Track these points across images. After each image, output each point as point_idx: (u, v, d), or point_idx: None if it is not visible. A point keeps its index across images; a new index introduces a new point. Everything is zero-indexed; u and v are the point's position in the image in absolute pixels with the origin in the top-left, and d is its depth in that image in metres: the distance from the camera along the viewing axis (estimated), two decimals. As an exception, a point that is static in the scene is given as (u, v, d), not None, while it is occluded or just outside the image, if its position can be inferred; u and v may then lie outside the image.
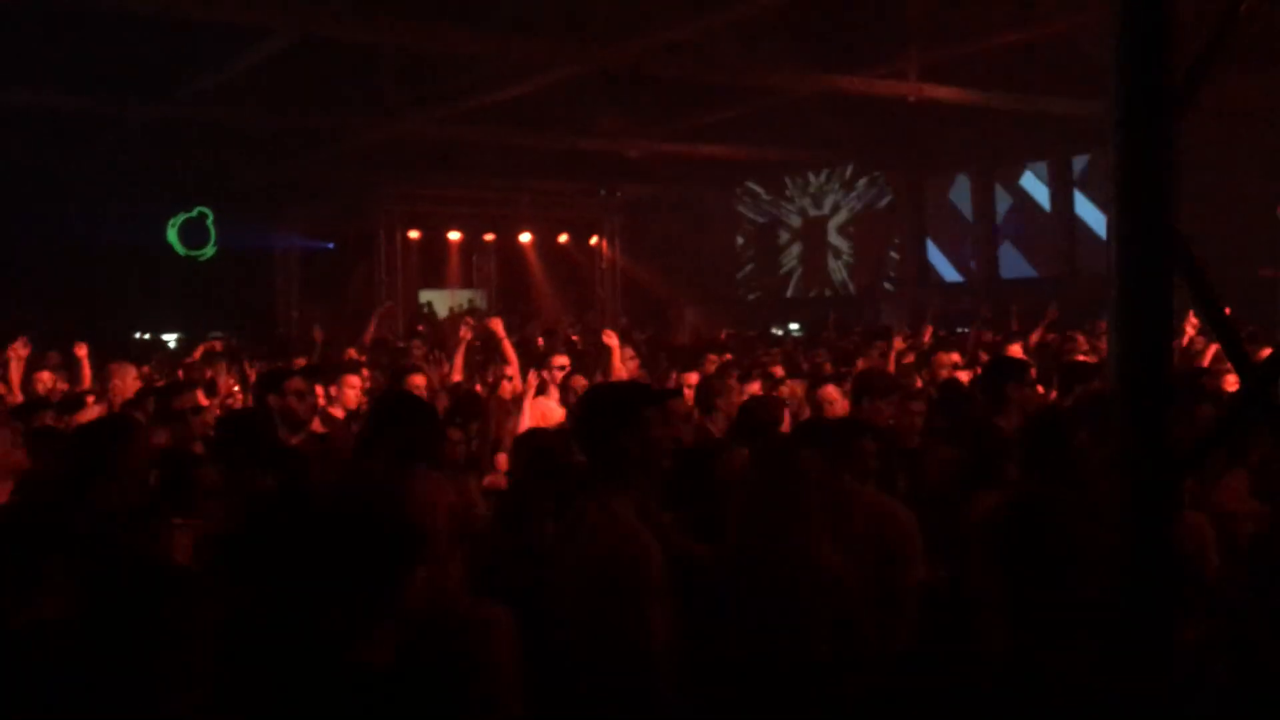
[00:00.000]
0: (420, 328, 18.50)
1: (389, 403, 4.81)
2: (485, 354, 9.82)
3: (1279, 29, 1.89)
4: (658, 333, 17.78)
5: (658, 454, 3.13)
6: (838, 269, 22.87)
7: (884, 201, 21.69)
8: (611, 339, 7.71)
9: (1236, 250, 10.54)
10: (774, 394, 6.81)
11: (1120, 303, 1.70)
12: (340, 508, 2.64)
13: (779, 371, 7.36)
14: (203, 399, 6.80)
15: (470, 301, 22.97)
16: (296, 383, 5.77)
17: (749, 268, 24.74)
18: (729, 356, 9.36)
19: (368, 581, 2.29)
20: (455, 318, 17.92)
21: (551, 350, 8.60)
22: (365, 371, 7.79)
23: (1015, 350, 8.59)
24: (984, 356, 8.53)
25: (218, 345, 12.23)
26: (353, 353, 10.93)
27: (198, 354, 9.21)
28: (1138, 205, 1.67)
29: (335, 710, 2.19)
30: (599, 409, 3.28)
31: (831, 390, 5.83)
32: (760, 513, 3.50)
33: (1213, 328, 1.75)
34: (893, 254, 21.74)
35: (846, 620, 3.37)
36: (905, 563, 3.80)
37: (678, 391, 5.69)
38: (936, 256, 21.16)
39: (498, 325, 7.30)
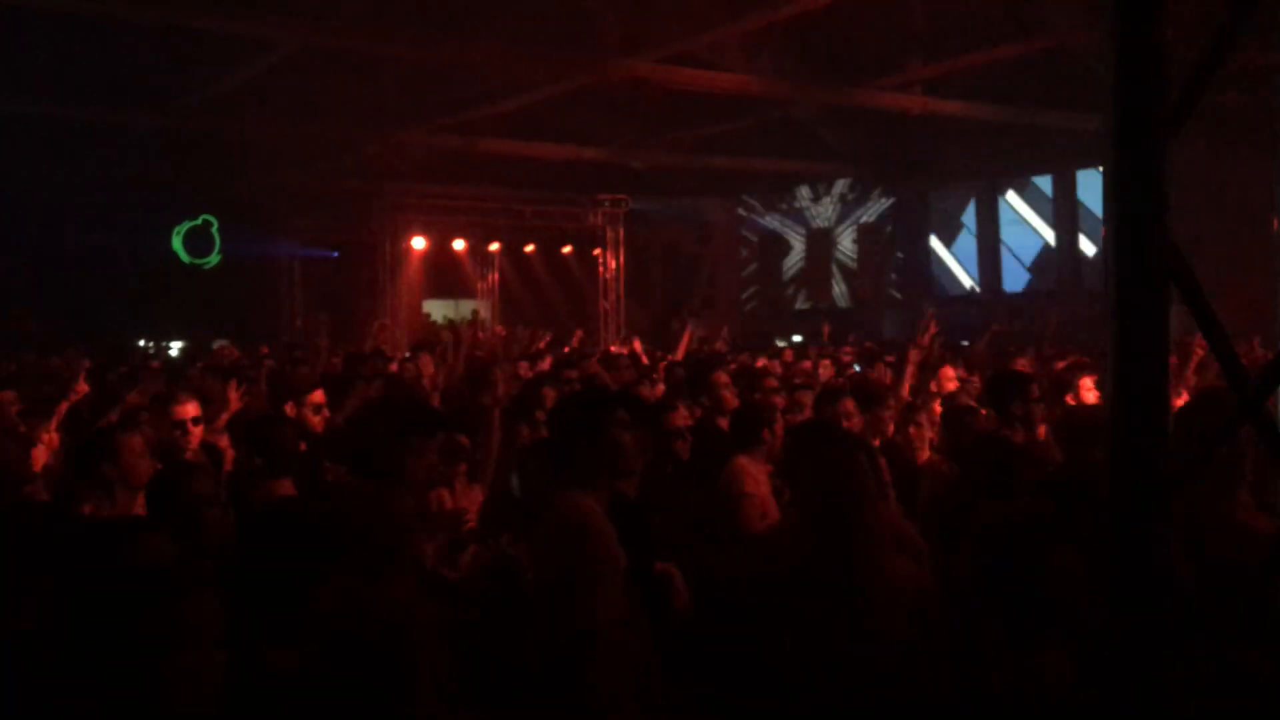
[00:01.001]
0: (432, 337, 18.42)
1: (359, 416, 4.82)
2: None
3: (1273, 44, 1.90)
4: (662, 344, 17.75)
5: (623, 457, 3.20)
6: (841, 281, 22.89)
7: (888, 218, 21.73)
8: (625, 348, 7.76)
9: (1234, 263, 10.51)
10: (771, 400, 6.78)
11: (1116, 318, 1.70)
12: (251, 526, 2.78)
13: (772, 382, 7.35)
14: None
15: (474, 312, 22.99)
16: (319, 396, 5.81)
17: (752, 272, 24.78)
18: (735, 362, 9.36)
19: (269, 593, 2.39)
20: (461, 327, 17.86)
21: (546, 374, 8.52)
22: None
23: (1023, 365, 8.55)
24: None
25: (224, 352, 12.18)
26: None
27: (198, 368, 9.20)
28: (1133, 224, 1.67)
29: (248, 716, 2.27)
30: (567, 411, 3.48)
31: (849, 404, 5.80)
32: (831, 526, 3.51)
33: (1210, 343, 1.75)
34: (898, 259, 21.77)
35: (913, 631, 3.39)
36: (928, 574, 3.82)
37: (640, 400, 5.64)
38: (941, 269, 21.15)
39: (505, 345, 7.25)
